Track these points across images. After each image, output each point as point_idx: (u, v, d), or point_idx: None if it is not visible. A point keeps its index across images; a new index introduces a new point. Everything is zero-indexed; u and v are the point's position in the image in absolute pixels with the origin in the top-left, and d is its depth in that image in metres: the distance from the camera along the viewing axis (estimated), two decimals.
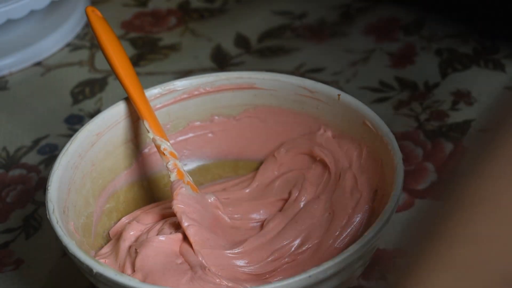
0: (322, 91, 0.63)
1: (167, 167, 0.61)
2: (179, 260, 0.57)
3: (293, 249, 0.60)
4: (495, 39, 0.83)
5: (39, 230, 0.68)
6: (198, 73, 0.72)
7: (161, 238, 0.58)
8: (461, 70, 0.80)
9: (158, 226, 0.60)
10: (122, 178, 0.65)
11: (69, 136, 0.62)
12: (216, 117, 0.67)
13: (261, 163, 0.67)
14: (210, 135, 0.67)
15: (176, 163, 0.61)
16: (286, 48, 0.85)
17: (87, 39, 0.89)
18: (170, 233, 0.59)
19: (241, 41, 0.86)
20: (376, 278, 0.61)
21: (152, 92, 0.65)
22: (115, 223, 0.63)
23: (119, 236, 0.60)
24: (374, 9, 0.89)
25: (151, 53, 0.86)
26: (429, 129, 0.73)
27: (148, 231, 0.60)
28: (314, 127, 0.65)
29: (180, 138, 0.67)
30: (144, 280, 0.55)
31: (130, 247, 0.59)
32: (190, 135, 0.67)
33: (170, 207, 0.59)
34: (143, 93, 0.63)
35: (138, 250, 0.57)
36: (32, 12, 0.85)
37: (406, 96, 0.77)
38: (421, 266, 0.37)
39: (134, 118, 0.64)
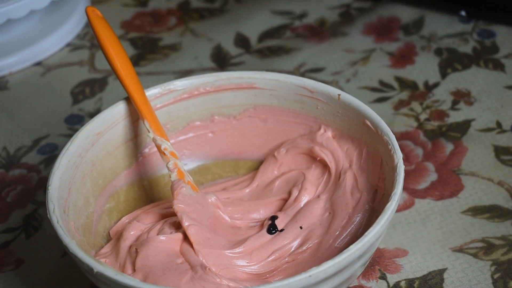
0: (322, 91, 0.64)
1: (167, 167, 0.61)
2: (180, 260, 0.57)
3: (293, 248, 0.60)
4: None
5: (40, 229, 0.68)
6: (198, 73, 0.73)
7: (162, 238, 0.58)
8: (461, 70, 0.80)
9: (158, 226, 0.60)
10: (122, 177, 0.65)
11: (69, 136, 0.62)
12: (216, 117, 0.67)
13: (261, 163, 0.67)
14: (210, 135, 0.67)
15: (177, 163, 0.61)
16: (286, 48, 0.85)
17: (87, 39, 0.89)
18: (171, 232, 0.59)
19: (241, 41, 0.86)
20: (376, 278, 0.61)
21: (152, 92, 0.65)
22: (116, 222, 0.63)
23: (119, 236, 0.60)
24: (374, 9, 0.89)
25: (151, 53, 0.86)
26: (429, 129, 0.73)
27: (149, 231, 0.60)
28: (314, 127, 0.65)
29: (181, 138, 0.67)
30: (144, 280, 0.55)
31: (130, 246, 0.59)
32: (191, 135, 0.67)
33: (171, 207, 0.59)
34: (143, 93, 0.63)
35: (138, 250, 0.57)
36: (32, 12, 0.85)
37: (406, 96, 0.77)
38: None
39: (134, 118, 0.64)
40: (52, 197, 0.57)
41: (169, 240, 0.58)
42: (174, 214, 0.59)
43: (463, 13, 0.85)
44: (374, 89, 0.78)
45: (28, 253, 0.66)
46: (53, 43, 0.87)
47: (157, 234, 0.59)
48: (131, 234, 0.60)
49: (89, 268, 0.52)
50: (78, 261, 0.53)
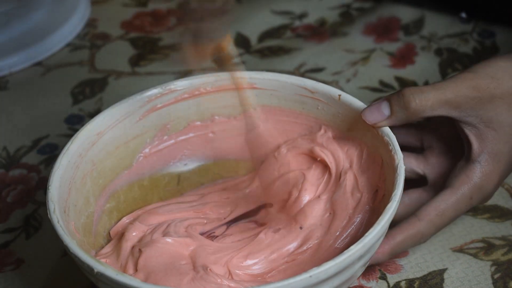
0: (323, 91, 0.64)
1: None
2: (183, 261, 0.57)
3: (293, 249, 0.60)
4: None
5: (40, 230, 0.68)
6: (198, 73, 0.72)
7: (168, 239, 0.58)
8: (461, 70, 0.79)
9: (162, 228, 0.60)
10: (123, 177, 0.65)
11: (69, 136, 0.62)
12: (217, 117, 0.67)
13: (261, 163, 0.67)
14: (210, 135, 0.67)
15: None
16: (286, 48, 0.85)
17: (87, 39, 0.89)
18: (177, 236, 0.59)
19: (241, 41, 0.86)
20: (377, 278, 0.61)
21: (153, 92, 0.65)
22: (116, 222, 0.63)
23: (120, 236, 0.60)
24: (374, 9, 0.89)
25: (151, 53, 0.86)
26: None
27: (152, 232, 0.60)
28: (315, 127, 0.65)
29: (181, 138, 0.67)
30: (146, 280, 0.55)
31: (133, 247, 0.59)
32: (191, 135, 0.67)
33: (173, 207, 0.59)
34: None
35: (142, 250, 0.57)
36: (32, 12, 0.85)
37: None
38: None
39: (134, 118, 0.64)
40: (52, 197, 0.57)
41: (175, 243, 0.58)
42: (176, 215, 0.59)
43: (463, 15, 0.85)
44: (374, 89, 0.78)
45: (28, 253, 0.66)
46: (53, 43, 0.87)
47: (162, 236, 0.59)
48: (133, 235, 0.60)
49: (90, 268, 0.52)
50: (78, 261, 0.53)
